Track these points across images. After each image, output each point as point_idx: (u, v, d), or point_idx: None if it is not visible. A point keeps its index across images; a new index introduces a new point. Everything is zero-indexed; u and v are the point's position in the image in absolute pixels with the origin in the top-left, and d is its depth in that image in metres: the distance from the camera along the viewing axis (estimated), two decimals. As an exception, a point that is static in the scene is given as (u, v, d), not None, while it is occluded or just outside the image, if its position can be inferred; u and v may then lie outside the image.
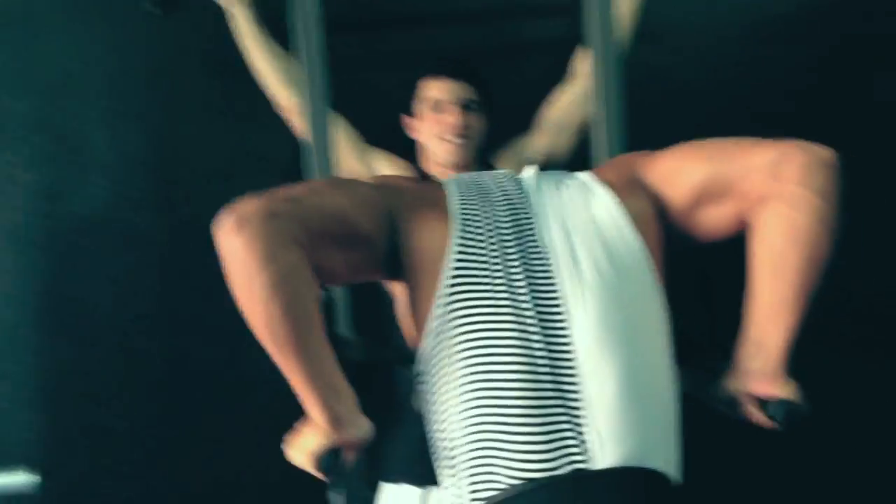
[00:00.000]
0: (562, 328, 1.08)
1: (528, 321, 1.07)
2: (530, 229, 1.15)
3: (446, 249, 1.10)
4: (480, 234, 1.13)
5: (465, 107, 1.81)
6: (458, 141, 1.81)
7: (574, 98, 1.92)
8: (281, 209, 1.04)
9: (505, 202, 1.18)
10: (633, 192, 1.19)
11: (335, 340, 1.11)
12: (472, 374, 1.07)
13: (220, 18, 1.90)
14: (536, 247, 1.13)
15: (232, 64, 1.92)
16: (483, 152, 1.88)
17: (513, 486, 1.02)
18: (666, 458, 1.07)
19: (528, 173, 1.26)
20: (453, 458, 1.09)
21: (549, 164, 1.90)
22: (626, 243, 1.14)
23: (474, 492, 1.05)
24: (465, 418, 1.06)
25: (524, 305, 1.08)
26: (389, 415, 1.73)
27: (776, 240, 1.12)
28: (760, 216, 1.13)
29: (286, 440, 1.17)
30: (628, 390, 1.05)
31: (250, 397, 2.13)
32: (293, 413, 1.13)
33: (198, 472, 2.17)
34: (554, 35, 2.16)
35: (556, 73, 1.97)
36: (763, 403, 1.16)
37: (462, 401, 1.07)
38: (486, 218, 1.14)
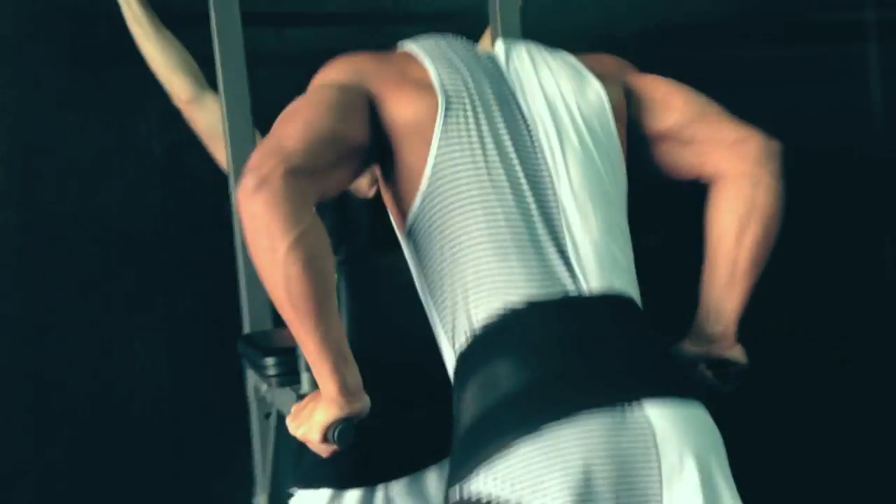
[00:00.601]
0: (549, 188, 1.19)
1: (520, 179, 1.18)
2: (515, 101, 1.23)
3: (434, 121, 1.17)
4: (465, 104, 1.19)
5: None
6: None
7: None
8: (295, 164, 1.08)
9: (485, 75, 1.24)
10: (613, 87, 1.29)
11: None
12: (474, 221, 1.15)
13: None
14: (522, 117, 1.22)
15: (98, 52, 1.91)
16: None
17: (512, 306, 1.12)
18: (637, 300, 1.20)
19: (500, 48, 1.31)
20: (453, 307, 1.16)
21: None
22: (604, 126, 1.25)
23: (475, 321, 1.14)
24: (469, 259, 1.14)
25: (514, 166, 1.18)
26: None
27: (739, 214, 1.25)
28: (723, 190, 1.28)
29: (290, 416, 1.20)
30: (605, 242, 1.18)
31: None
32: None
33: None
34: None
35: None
36: (716, 365, 1.26)
37: (465, 244, 1.15)
38: (470, 89, 1.21)
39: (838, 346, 2.44)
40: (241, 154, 1.72)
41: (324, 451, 1.18)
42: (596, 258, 1.16)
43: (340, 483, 1.70)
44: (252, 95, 1.78)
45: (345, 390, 1.13)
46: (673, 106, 1.33)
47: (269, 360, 1.39)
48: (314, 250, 1.07)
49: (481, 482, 1.06)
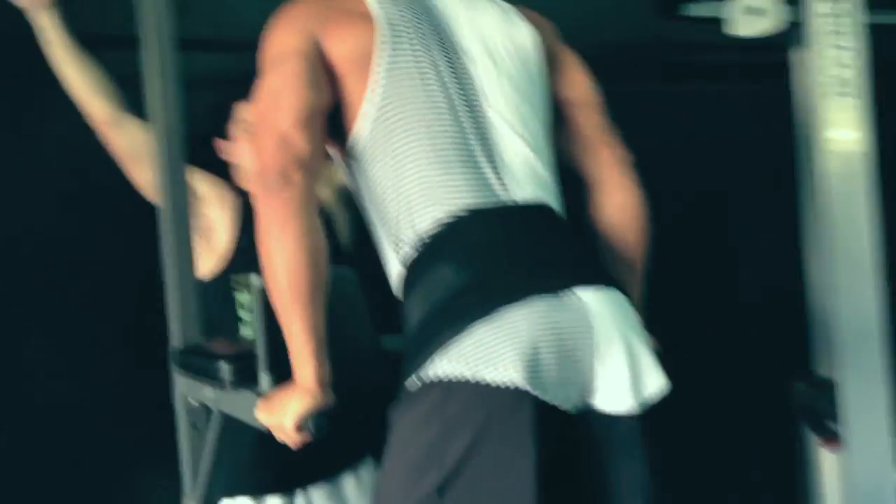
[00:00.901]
0: (482, 111, 1.33)
1: (456, 103, 1.31)
2: (448, 32, 1.36)
3: (374, 49, 1.29)
4: (406, 31, 1.32)
5: None
6: None
7: None
8: (307, 163, 1.24)
9: (421, 9, 1.36)
10: (539, 34, 1.45)
11: None
12: (417, 140, 1.27)
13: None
14: (454, 47, 1.35)
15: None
16: None
17: (454, 214, 1.25)
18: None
19: None
20: (398, 218, 1.28)
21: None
22: (531, 60, 1.41)
23: (419, 229, 1.26)
24: (415, 172, 1.27)
25: (451, 91, 1.31)
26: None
27: (625, 219, 1.48)
28: (608, 197, 1.49)
29: (260, 406, 1.27)
30: (531, 160, 1.34)
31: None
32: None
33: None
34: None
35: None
36: None
37: (412, 159, 1.27)
38: (409, 21, 1.33)
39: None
40: (172, 176, 1.78)
41: (295, 440, 1.27)
42: (523, 172, 1.32)
43: (260, 490, 1.77)
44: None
45: (320, 380, 1.25)
46: (580, 81, 1.51)
47: (225, 366, 1.45)
48: (318, 244, 1.23)
49: (438, 366, 1.17)
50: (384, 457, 1.26)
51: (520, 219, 1.29)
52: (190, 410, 1.74)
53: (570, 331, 1.20)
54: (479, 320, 1.16)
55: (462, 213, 1.25)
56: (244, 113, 1.97)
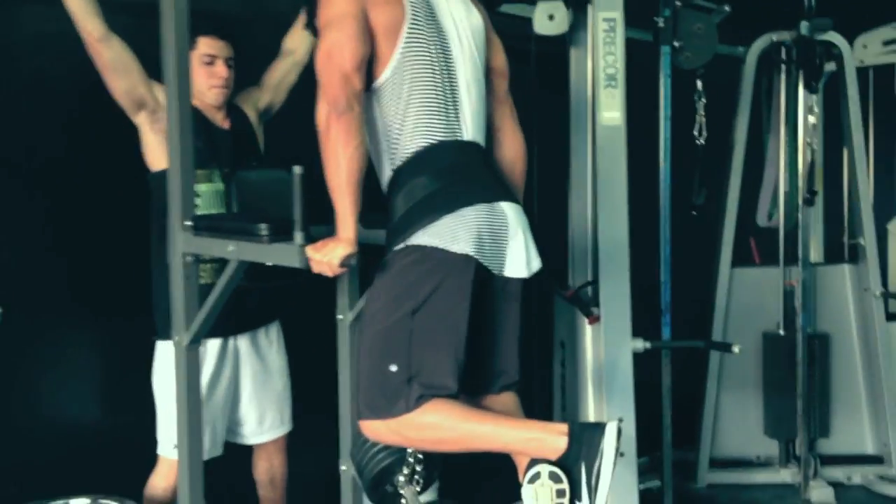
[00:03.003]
0: (455, 76, 1.94)
1: (443, 67, 1.92)
2: (438, 19, 1.95)
3: (400, 24, 1.88)
4: (421, 14, 1.91)
5: (228, 63, 2.46)
6: (223, 90, 2.46)
7: (287, 67, 2.64)
8: (359, 96, 1.80)
9: (426, 1, 1.96)
10: (484, 19, 2.06)
11: None
12: (421, 88, 1.88)
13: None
14: (442, 28, 1.95)
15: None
16: (231, 96, 2.55)
17: (435, 142, 1.88)
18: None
19: None
20: (397, 140, 1.87)
21: (268, 112, 2.65)
22: (481, 40, 2.02)
23: (409, 150, 1.87)
24: (413, 111, 1.87)
25: (440, 58, 1.92)
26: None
27: (515, 154, 2.09)
28: (505, 138, 2.08)
29: (313, 249, 1.77)
30: (477, 112, 1.96)
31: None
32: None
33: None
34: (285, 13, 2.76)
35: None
36: None
37: (413, 102, 1.88)
38: (419, 6, 1.92)
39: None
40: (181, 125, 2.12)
41: (337, 272, 1.81)
42: (472, 121, 1.95)
43: (225, 331, 2.39)
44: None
45: (355, 237, 1.81)
46: (502, 57, 2.11)
47: (264, 225, 1.91)
48: (363, 153, 1.82)
49: (419, 238, 1.80)
50: (370, 291, 1.87)
51: (470, 151, 1.94)
52: (185, 265, 2.13)
53: (497, 225, 1.87)
54: (447, 214, 1.82)
55: (437, 143, 1.89)
56: (203, 47, 2.42)
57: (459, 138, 1.92)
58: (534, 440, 1.77)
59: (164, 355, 2.33)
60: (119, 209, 2.56)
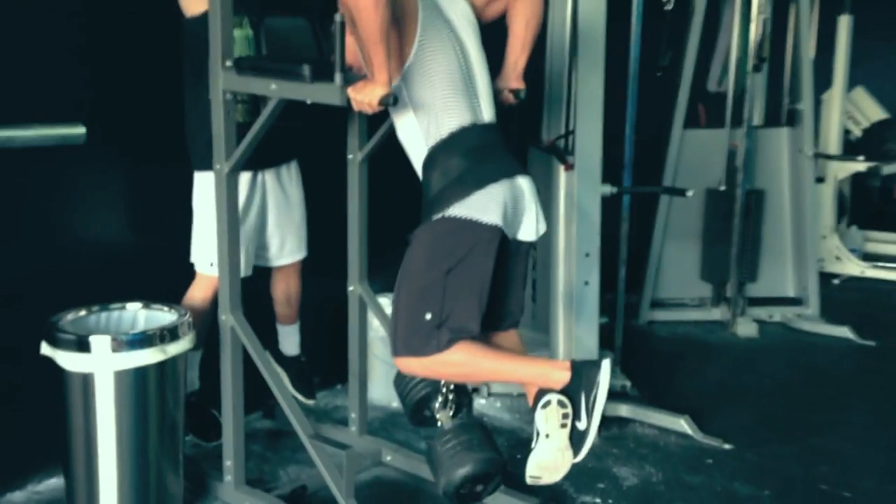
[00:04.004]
0: (467, 60, 2.18)
1: (458, 51, 2.15)
2: (441, 8, 2.17)
3: (419, 9, 2.08)
4: (428, 3, 2.12)
5: None
6: None
7: None
8: None
9: None
10: (469, 5, 2.27)
11: None
12: (443, 71, 2.10)
13: None
14: (448, 17, 2.19)
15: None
16: None
17: (466, 125, 2.13)
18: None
19: None
20: (433, 119, 2.11)
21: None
22: (475, 26, 2.24)
23: (446, 129, 2.11)
24: (440, 93, 2.11)
25: (454, 42, 2.15)
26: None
27: (526, 17, 2.26)
28: (516, 6, 2.27)
29: (354, 89, 2.01)
30: (489, 94, 2.22)
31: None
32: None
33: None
34: None
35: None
36: (511, 91, 2.35)
37: (438, 85, 2.11)
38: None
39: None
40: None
41: (375, 109, 2.03)
42: (487, 101, 2.20)
43: (256, 165, 2.63)
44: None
45: (390, 80, 2.03)
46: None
47: (308, 66, 2.10)
48: (390, 9, 1.96)
49: (454, 210, 2.07)
50: (410, 251, 2.11)
51: (491, 132, 2.19)
52: (226, 102, 2.36)
53: (517, 198, 2.16)
54: (477, 190, 2.09)
55: (466, 126, 2.13)
56: None
57: (481, 120, 2.17)
58: (543, 374, 2.11)
59: (203, 184, 2.58)
60: (149, 53, 2.68)
